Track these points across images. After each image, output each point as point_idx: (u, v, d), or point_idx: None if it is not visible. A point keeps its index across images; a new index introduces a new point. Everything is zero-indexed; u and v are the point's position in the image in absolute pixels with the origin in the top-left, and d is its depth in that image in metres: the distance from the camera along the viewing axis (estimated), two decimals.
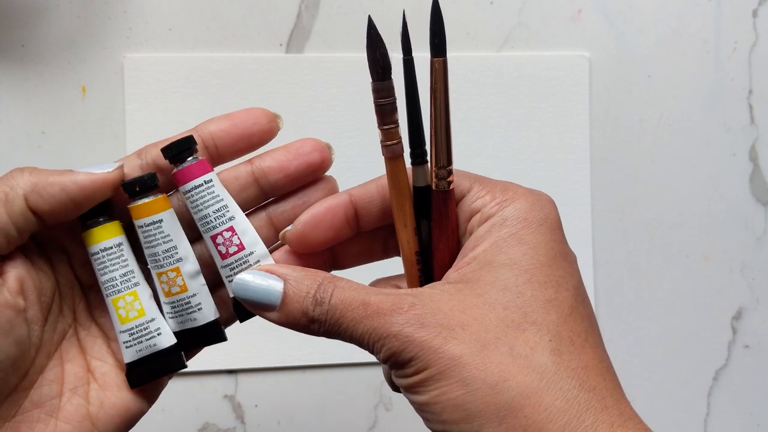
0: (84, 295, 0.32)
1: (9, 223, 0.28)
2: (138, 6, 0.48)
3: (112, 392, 0.30)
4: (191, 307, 0.31)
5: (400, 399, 0.52)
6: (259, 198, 0.31)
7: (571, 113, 0.52)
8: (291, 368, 0.50)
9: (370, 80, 0.28)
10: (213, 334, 0.31)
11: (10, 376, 0.28)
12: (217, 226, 0.30)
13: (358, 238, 0.32)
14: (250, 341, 0.49)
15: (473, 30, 0.51)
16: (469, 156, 0.51)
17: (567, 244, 0.29)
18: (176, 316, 0.31)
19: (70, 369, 0.30)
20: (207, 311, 0.31)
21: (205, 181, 0.30)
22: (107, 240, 0.30)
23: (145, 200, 0.30)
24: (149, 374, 0.31)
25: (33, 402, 0.30)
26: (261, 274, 0.29)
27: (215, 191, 0.30)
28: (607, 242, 0.53)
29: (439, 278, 0.30)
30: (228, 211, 0.30)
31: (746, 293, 0.55)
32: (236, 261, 0.30)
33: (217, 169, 0.31)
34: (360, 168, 0.49)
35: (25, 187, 0.28)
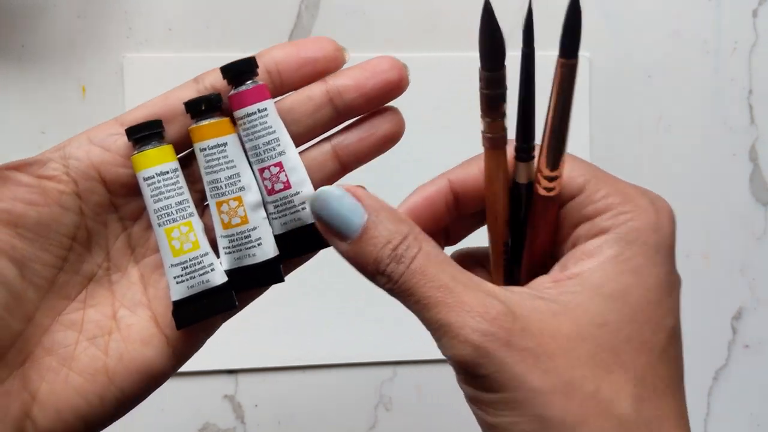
0: (126, 232, 0.29)
1: None
2: (138, 6, 0.48)
3: (135, 347, 0.28)
4: (251, 241, 0.28)
5: (400, 399, 0.52)
6: (333, 120, 0.29)
7: (571, 113, 0.52)
8: (291, 368, 0.50)
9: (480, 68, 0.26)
10: (271, 273, 0.28)
11: (7, 321, 0.26)
12: (266, 159, 0.28)
13: (456, 221, 0.30)
14: (250, 341, 0.49)
15: (473, 30, 0.51)
16: (468, 156, 0.51)
17: (675, 269, 0.26)
18: (233, 251, 0.28)
19: (92, 315, 0.28)
20: (267, 248, 0.28)
21: (259, 109, 0.28)
22: (164, 164, 0.28)
23: (210, 120, 0.28)
24: (199, 313, 0.28)
25: (45, 349, 0.27)
26: (347, 196, 0.26)
27: (268, 122, 0.28)
28: None
29: (527, 277, 0.28)
30: (279, 145, 0.28)
31: (746, 293, 0.55)
32: (281, 199, 0.28)
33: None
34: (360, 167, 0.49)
35: None
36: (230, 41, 0.49)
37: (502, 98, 0.26)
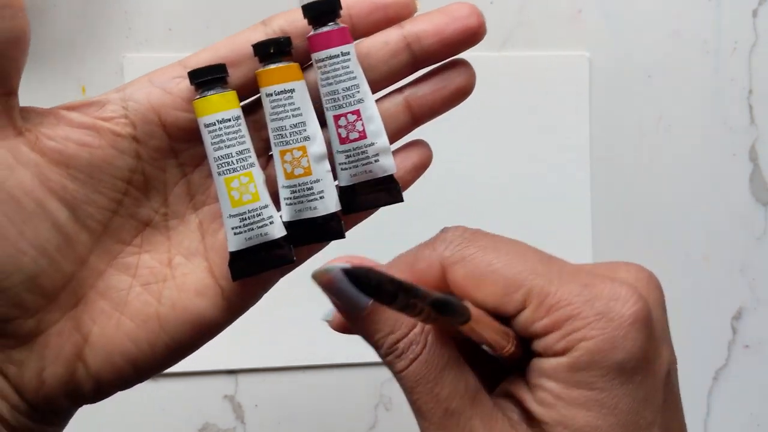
0: (185, 179, 0.28)
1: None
2: (138, 6, 0.48)
3: (188, 296, 0.27)
4: (313, 194, 0.27)
5: (400, 399, 0.52)
6: (408, 68, 0.28)
7: (571, 113, 0.52)
8: (291, 368, 0.50)
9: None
10: (332, 229, 0.27)
11: (60, 263, 0.26)
12: (343, 105, 0.27)
13: None
14: (250, 341, 0.49)
15: None
16: (468, 156, 0.51)
17: (658, 378, 0.23)
18: (295, 203, 0.27)
19: (147, 261, 0.28)
20: (329, 202, 0.27)
21: (342, 52, 0.27)
22: (226, 111, 0.27)
23: (279, 65, 0.27)
24: (255, 266, 0.27)
25: (99, 292, 0.27)
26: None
27: (350, 66, 0.27)
28: (607, 242, 0.53)
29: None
30: (358, 92, 0.27)
31: (746, 293, 0.55)
32: (354, 149, 0.27)
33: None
34: None
35: None
36: None
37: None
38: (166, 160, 0.28)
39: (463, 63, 0.29)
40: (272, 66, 0.27)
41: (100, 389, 0.27)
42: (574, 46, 0.52)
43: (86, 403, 0.28)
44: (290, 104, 0.27)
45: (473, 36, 0.27)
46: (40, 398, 0.26)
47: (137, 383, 0.28)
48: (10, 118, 0.26)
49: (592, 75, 0.52)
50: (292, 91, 0.27)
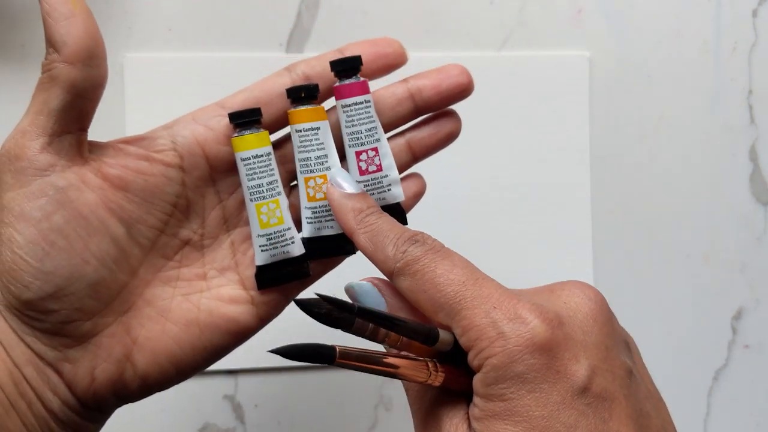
0: (221, 204, 0.33)
1: (69, 96, 0.29)
2: (138, 6, 0.48)
3: (224, 304, 0.32)
4: (331, 215, 0.32)
5: (400, 399, 0.52)
6: (411, 114, 0.34)
7: (571, 113, 0.52)
8: (291, 368, 0.50)
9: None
10: (344, 244, 0.33)
11: (116, 273, 0.30)
12: (365, 143, 0.33)
13: None
14: (250, 341, 0.49)
15: (473, 30, 0.51)
16: (468, 156, 0.51)
17: (573, 385, 0.25)
18: (315, 222, 0.33)
19: (186, 274, 0.32)
20: None
21: (365, 100, 0.33)
22: (260, 148, 0.32)
23: (308, 107, 0.32)
24: (278, 278, 0.32)
25: (146, 300, 0.31)
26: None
27: (371, 112, 0.33)
28: (607, 242, 0.53)
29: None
30: (377, 132, 0.33)
31: (746, 293, 0.55)
32: (372, 179, 0.33)
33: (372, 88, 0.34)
34: None
35: (56, 58, 0.29)
36: (230, 41, 0.49)
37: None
38: (207, 187, 0.33)
39: (453, 113, 0.35)
40: (302, 108, 0.32)
41: (145, 388, 0.31)
42: (574, 46, 0.52)
43: (130, 402, 0.32)
44: (316, 139, 0.32)
45: (464, 90, 0.34)
46: (89, 395, 0.30)
47: (177, 383, 0.32)
48: (80, 150, 0.30)
49: (592, 75, 0.52)
50: (318, 129, 0.32)
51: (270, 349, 0.25)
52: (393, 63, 0.34)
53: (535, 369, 0.25)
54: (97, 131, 0.48)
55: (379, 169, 0.33)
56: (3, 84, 0.48)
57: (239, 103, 0.32)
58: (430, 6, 0.51)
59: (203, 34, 0.49)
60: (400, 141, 0.34)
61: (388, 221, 0.30)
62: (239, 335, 0.32)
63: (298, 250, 0.33)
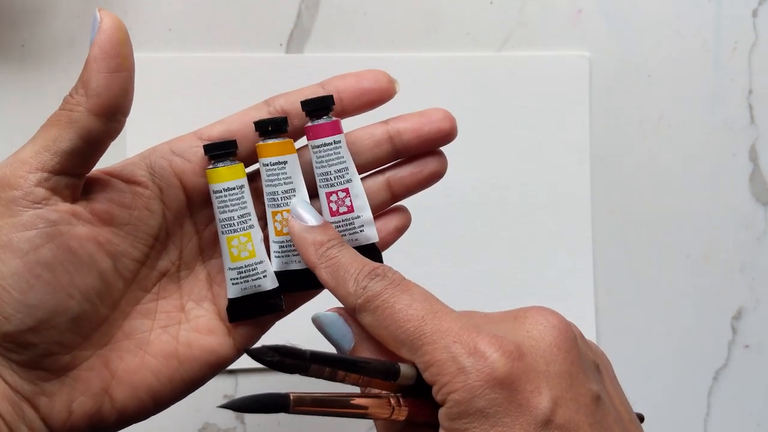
0: (197, 235, 0.33)
1: (81, 143, 0.28)
2: (138, 6, 0.48)
3: (202, 335, 0.32)
4: None
5: None
6: (389, 156, 0.33)
7: (571, 113, 0.52)
8: None
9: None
10: (314, 279, 0.31)
11: (98, 307, 0.30)
12: (335, 184, 0.32)
13: None
14: (250, 341, 0.49)
15: (473, 30, 0.51)
16: (468, 156, 0.51)
17: (535, 416, 0.25)
18: (282, 256, 0.32)
19: (164, 306, 0.32)
20: None
21: (335, 140, 0.32)
22: (232, 180, 0.31)
23: (275, 141, 0.31)
24: (249, 311, 0.32)
25: (125, 333, 0.31)
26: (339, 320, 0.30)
27: (341, 152, 0.32)
28: (607, 242, 0.53)
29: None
30: (348, 173, 0.32)
31: (746, 293, 0.55)
32: (343, 220, 0.32)
33: (353, 126, 0.33)
34: None
35: (81, 101, 0.29)
36: (230, 41, 0.49)
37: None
38: (184, 218, 0.32)
39: (438, 153, 0.34)
40: (270, 141, 0.31)
41: (122, 421, 0.31)
42: (574, 46, 0.52)
43: None
44: (283, 173, 0.32)
45: (446, 136, 0.33)
46: (65, 429, 0.29)
47: (154, 415, 0.32)
48: (75, 189, 0.29)
49: (592, 75, 0.52)
50: (285, 162, 0.32)
51: (219, 404, 0.26)
52: (377, 99, 0.33)
53: (497, 403, 0.25)
54: None
55: (351, 210, 0.32)
56: (3, 84, 0.48)
57: (217, 135, 0.32)
58: (430, 6, 0.51)
59: (203, 34, 0.49)
60: (380, 179, 0.33)
61: (349, 254, 0.30)
62: (216, 366, 0.32)
63: (270, 284, 0.32)
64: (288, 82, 0.49)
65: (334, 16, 0.50)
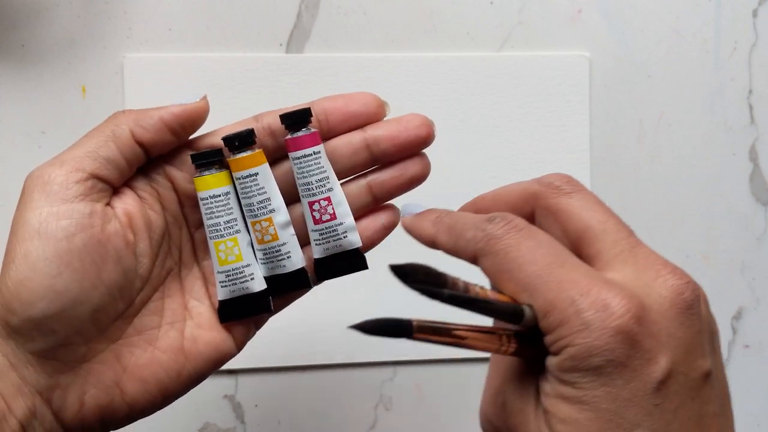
0: (191, 237, 0.34)
1: (119, 156, 0.31)
2: (138, 6, 0.48)
3: (206, 331, 0.33)
4: (281, 255, 0.33)
5: (400, 399, 0.52)
6: (367, 163, 0.34)
7: (571, 113, 0.52)
8: (291, 368, 0.50)
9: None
10: (300, 280, 0.34)
11: (117, 302, 0.31)
12: (317, 194, 0.33)
13: None
14: (250, 341, 0.49)
15: (473, 30, 0.51)
16: (468, 156, 0.51)
17: (646, 384, 0.25)
18: (267, 263, 0.34)
19: (169, 304, 0.33)
20: (295, 260, 0.34)
21: (314, 152, 0.33)
22: (217, 188, 0.33)
23: (243, 154, 0.32)
24: (238, 313, 0.34)
25: (135, 329, 0.33)
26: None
27: (321, 163, 0.33)
28: None
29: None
30: (328, 182, 0.33)
31: (746, 293, 0.55)
32: (326, 228, 0.33)
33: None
34: None
35: (128, 122, 0.31)
36: (230, 41, 0.49)
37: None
38: (181, 221, 0.34)
39: (420, 155, 0.34)
40: (238, 155, 0.32)
41: (131, 414, 0.32)
42: (574, 46, 0.52)
43: (113, 429, 0.32)
44: (255, 185, 0.32)
45: (423, 143, 0.33)
46: (76, 422, 0.31)
47: (160, 409, 0.33)
48: (108, 195, 0.32)
49: (592, 75, 0.52)
50: (256, 174, 0.32)
51: (350, 325, 0.26)
52: (364, 123, 0.33)
53: (613, 365, 0.24)
54: None
55: (333, 217, 0.33)
56: (3, 84, 0.48)
57: (206, 145, 0.33)
58: (430, 6, 0.51)
59: (203, 34, 0.49)
60: (361, 183, 0.34)
61: (461, 213, 0.30)
62: (219, 361, 0.34)
63: (258, 286, 0.33)
64: (288, 82, 0.49)
65: (334, 16, 0.50)
